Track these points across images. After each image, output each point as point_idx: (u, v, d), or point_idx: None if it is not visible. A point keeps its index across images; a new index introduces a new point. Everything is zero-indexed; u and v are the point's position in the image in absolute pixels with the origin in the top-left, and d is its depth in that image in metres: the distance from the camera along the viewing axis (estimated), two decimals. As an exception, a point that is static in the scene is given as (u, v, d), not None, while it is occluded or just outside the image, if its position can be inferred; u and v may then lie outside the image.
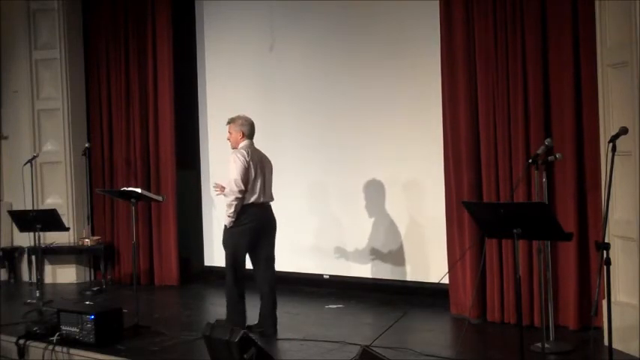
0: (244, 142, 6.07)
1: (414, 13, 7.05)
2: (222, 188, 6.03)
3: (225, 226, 5.96)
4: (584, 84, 5.70)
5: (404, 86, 7.15)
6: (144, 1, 8.64)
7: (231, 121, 6.16)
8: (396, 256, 7.20)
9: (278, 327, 6.07)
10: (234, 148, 6.09)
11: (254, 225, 5.94)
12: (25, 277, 8.99)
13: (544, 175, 5.33)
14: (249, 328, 5.90)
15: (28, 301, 7.56)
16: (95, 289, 8.25)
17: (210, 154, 8.63)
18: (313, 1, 7.75)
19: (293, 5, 7.91)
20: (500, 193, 6.10)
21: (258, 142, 8.19)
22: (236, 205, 5.85)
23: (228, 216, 5.88)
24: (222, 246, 6.06)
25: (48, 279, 8.85)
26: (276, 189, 8.17)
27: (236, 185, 5.82)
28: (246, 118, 6.19)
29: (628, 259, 5.07)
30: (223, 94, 8.53)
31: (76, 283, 8.80)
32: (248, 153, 5.96)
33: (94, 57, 9.09)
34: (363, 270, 7.46)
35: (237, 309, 6.00)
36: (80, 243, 8.70)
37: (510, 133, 6.05)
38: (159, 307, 7.34)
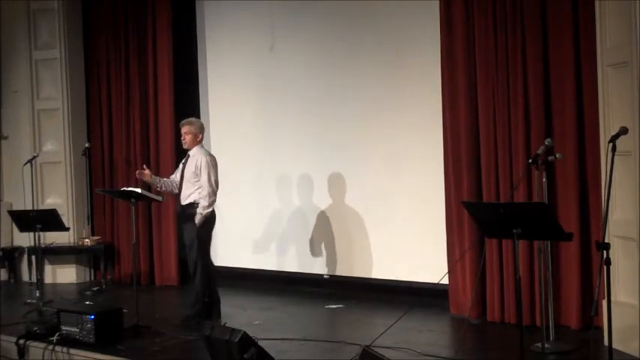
0: (202, 146, 6.56)
1: (414, 13, 7.05)
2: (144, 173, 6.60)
3: (195, 224, 6.32)
4: (584, 84, 5.69)
5: (404, 85, 7.14)
6: (144, 1, 8.65)
7: (189, 123, 6.57)
8: (396, 256, 7.19)
9: (276, 327, 6.12)
10: (189, 148, 6.53)
11: (214, 221, 6.53)
12: (25, 277, 9.00)
13: (544, 175, 5.33)
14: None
15: (28, 301, 7.56)
16: (95, 289, 8.25)
17: (210, 154, 8.62)
18: (313, 1, 7.75)
19: (293, 5, 7.91)
20: (500, 193, 6.10)
21: (258, 142, 8.24)
22: (213, 204, 6.37)
23: (204, 214, 6.29)
24: (189, 244, 6.42)
25: (48, 279, 8.86)
26: (275, 189, 8.18)
27: (216, 186, 6.38)
28: (202, 122, 6.76)
29: (628, 259, 5.07)
30: (223, 94, 8.53)
31: (76, 283, 8.81)
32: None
33: (94, 57, 9.10)
34: (363, 270, 7.45)
35: (210, 306, 6.46)
36: (80, 243, 8.70)
37: (510, 133, 6.05)
38: (159, 307, 7.34)
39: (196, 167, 6.37)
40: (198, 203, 6.32)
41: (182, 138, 6.57)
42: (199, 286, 6.42)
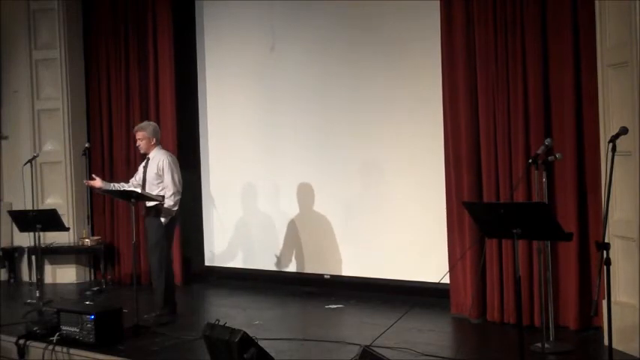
0: (160, 148, 6.64)
1: (414, 13, 7.05)
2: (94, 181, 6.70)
3: (161, 222, 6.43)
4: (584, 84, 5.69)
5: (404, 86, 7.14)
6: (144, 2, 8.65)
7: (140, 129, 6.67)
8: (397, 256, 7.19)
9: (276, 326, 6.15)
10: (146, 152, 6.64)
11: (178, 221, 6.76)
12: (25, 277, 9.00)
13: (544, 175, 5.33)
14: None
15: (28, 301, 7.56)
16: (95, 289, 8.24)
17: (211, 154, 8.63)
18: (313, 1, 7.75)
19: (293, 5, 7.91)
20: (500, 193, 6.10)
21: (259, 142, 8.24)
22: (179, 202, 6.51)
23: (170, 213, 6.45)
24: (153, 243, 6.53)
25: (48, 279, 8.85)
26: (276, 189, 8.17)
27: (180, 184, 6.51)
28: (156, 125, 6.86)
29: (628, 259, 5.07)
30: (223, 94, 8.53)
31: (76, 283, 8.81)
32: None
33: (94, 57, 9.10)
34: (363, 270, 7.45)
35: (172, 305, 6.60)
36: (80, 243, 8.71)
37: (510, 133, 6.05)
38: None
39: (158, 169, 6.51)
40: (162, 204, 6.44)
41: (137, 144, 6.70)
42: (169, 286, 6.59)
